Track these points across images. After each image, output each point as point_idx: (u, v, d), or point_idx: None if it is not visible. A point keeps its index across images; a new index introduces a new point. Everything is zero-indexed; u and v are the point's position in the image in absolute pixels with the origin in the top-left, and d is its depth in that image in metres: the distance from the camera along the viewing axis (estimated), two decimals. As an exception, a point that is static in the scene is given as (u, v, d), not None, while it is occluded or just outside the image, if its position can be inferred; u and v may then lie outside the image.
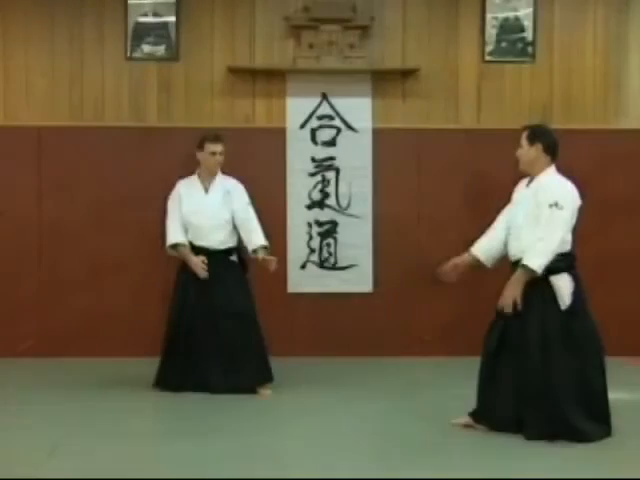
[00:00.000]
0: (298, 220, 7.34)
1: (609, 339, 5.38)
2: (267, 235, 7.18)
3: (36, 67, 7.19)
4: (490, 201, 7.34)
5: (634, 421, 5.27)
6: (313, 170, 7.36)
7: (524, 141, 5.09)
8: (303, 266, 7.35)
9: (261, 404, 5.73)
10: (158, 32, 7.21)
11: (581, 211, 5.07)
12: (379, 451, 4.77)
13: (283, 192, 7.31)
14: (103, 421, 5.23)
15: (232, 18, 7.25)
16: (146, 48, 7.22)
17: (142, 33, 7.19)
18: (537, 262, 4.80)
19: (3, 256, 7.17)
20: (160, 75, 7.25)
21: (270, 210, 7.27)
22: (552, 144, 5.06)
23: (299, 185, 7.34)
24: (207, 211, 6.08)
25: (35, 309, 7.21)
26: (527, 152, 5.07)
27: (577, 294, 4.89)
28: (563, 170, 5.20)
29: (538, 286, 4.86)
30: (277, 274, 7.20)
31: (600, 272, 7.25)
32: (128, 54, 7.21)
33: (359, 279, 7.35)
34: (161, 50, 7.23)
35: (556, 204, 4.84)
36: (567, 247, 4.95)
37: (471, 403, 5.15)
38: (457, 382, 6.19)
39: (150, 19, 7.20)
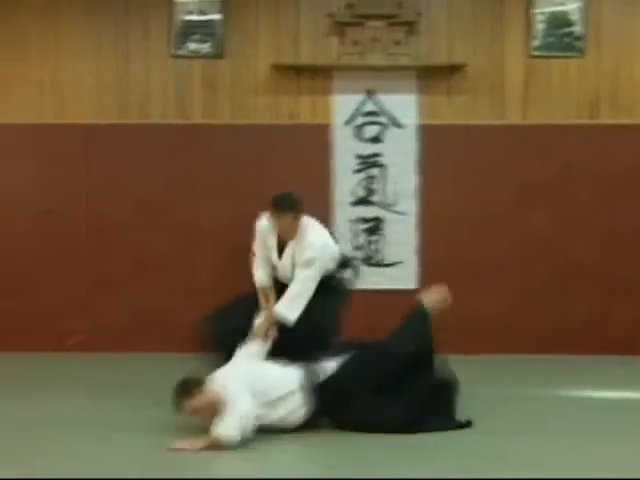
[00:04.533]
0: (343, 217, 7.33)
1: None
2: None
3: (84, 66, 7.28)
4: (536, 197, 7.31)
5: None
6: (358, 167, 7.35)
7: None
8: (348, 263, 7.34)
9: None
10: (203, 30, 7.25)
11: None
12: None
13: (328, 189, 7.30)
14: (149, 415, 5.26)
15: (277, 15, 7.27)
16: (191, 46, 7.26)
17: (187, 31, 7.24)
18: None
19: (52, 253, 7.27)
20: (205, 72, 7.29)
21: (315, 207, 7.22)
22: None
23: (344, 182, 7.33)
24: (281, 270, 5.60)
25: (84, 305, 7.30)
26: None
27: None
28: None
29: None
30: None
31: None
32: (173, 52, 7.26)
33: (404, 276, 7.32)
34: (206, 47, 7.27)
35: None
36: None
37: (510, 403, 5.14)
38: (497, 380, 6.21)
39: (195, 17, 7.24)
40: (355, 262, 6.00)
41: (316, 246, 5.35)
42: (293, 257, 5.39)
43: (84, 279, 7.30)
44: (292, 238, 5.40)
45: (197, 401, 4.67)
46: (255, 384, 4.74)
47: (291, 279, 5.39)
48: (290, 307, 5.29)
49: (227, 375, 4.82)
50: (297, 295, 5.30)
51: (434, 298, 5.19)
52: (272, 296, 5.47)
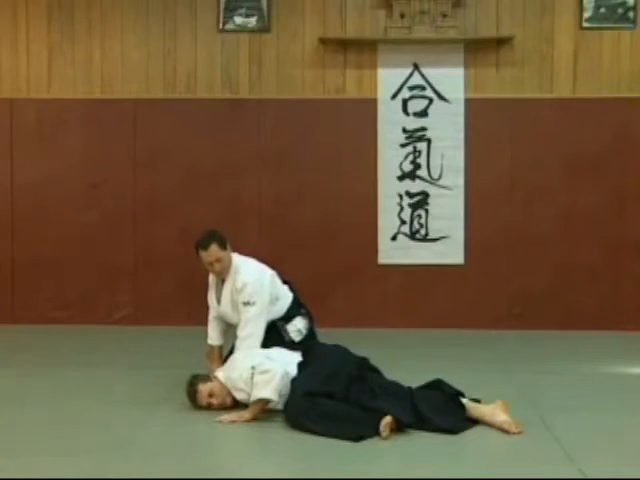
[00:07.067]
0: (389, 191, 7.31)
1: None
2: (358, 206, 7.23)
3: (131, 41, 7.31)
4: (586, 172, 7.21)
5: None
6: (404, 141, 7.31)
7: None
8: (394, 237, 7.32)
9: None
10: (250, 4, 7.23)
11: None
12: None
13: (374, 163, 7.27)
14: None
15: (323, -12, 7.24)
16: (238, 20, 7.26)
17: (234, 5, 7.23)
18: None
19: (100, 227, 7.35)
20: (252, 47, 7.28)
21: (361, 181, 7.28)
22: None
23: (390, 156, 7.30)
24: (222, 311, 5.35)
25: (131, 278, 7.38)
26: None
27: None
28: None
29: None
30: (368, 245, 7.25)
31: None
32: (220, 26, 7.26)
33: (450, 251, 7.28)
34: (253, 22, 7.26)
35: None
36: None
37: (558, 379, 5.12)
38: (544, 358, 6.18)
39: (242, -9, 7.24)
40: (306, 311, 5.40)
41: (252, 282, 5.10)
42: (232, 295, 5.17)
43: (131, 252, 7.37)
44: (224, 275, 5.17)
45: (212, 384, 4.81)
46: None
47: (235, 321, 5.19)
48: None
49: (244, 357, 4.87)
50: (246, 337, 5.06)
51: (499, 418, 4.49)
52: (218, 357, 5.34)
